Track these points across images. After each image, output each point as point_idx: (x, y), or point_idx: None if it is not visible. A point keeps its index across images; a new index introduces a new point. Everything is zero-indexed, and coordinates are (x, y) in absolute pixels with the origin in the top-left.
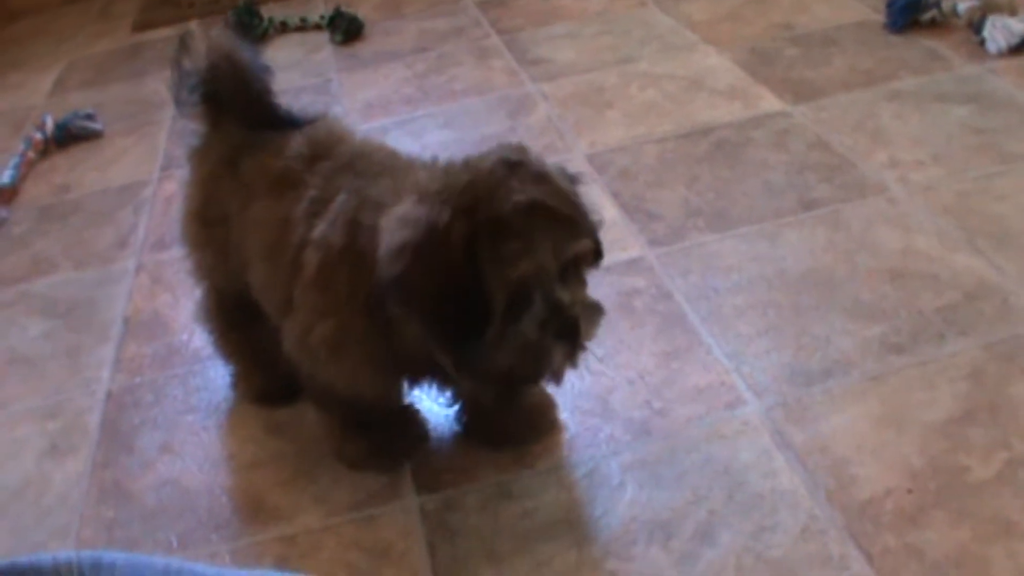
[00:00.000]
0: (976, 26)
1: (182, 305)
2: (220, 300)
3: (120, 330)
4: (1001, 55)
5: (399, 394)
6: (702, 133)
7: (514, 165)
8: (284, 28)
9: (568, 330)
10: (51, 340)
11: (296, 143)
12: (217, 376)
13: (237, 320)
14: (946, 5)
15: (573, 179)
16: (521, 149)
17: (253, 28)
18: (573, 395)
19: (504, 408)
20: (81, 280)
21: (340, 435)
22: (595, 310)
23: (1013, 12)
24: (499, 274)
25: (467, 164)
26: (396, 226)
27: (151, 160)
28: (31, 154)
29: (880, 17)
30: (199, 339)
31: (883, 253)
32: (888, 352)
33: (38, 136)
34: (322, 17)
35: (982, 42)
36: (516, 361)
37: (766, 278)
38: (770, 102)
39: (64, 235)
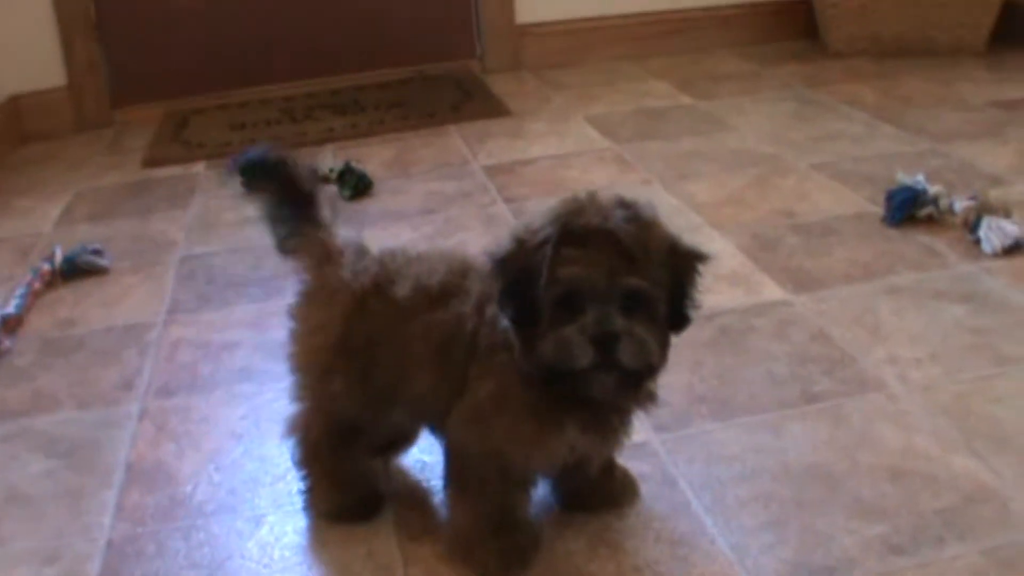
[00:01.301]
0: (972, 225)
1: (186, 456)
2: (328, 423)
3: (123, 476)
4: (996, 255)
5: (557, 457)
6: (706, 318)
7: (624, 204)
8: None
9: (603, 341)
10: (52, 480)
11: (440, 267)
12: (221, 532)
13: (336, 442)
14: (943, 203)
15: (696, 255)
16: (645, 202)
17: None
18: None
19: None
20: (84, 420)
21: (480, 537)
22: (645, 346)
23: (1007, 214)
24: (553, 272)
25: (589, 192)
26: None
27: (158, 301)
28: (38, 284)
29: (878, 209)
30: (203, 492)
31: (883, 451)
32: (889, 553)
33: (46, 267)
34: (331, 171)
35: (977, 241)
36: (552, 353)
37: (769, 470)
38: (772, 290)
39: (68, 371)
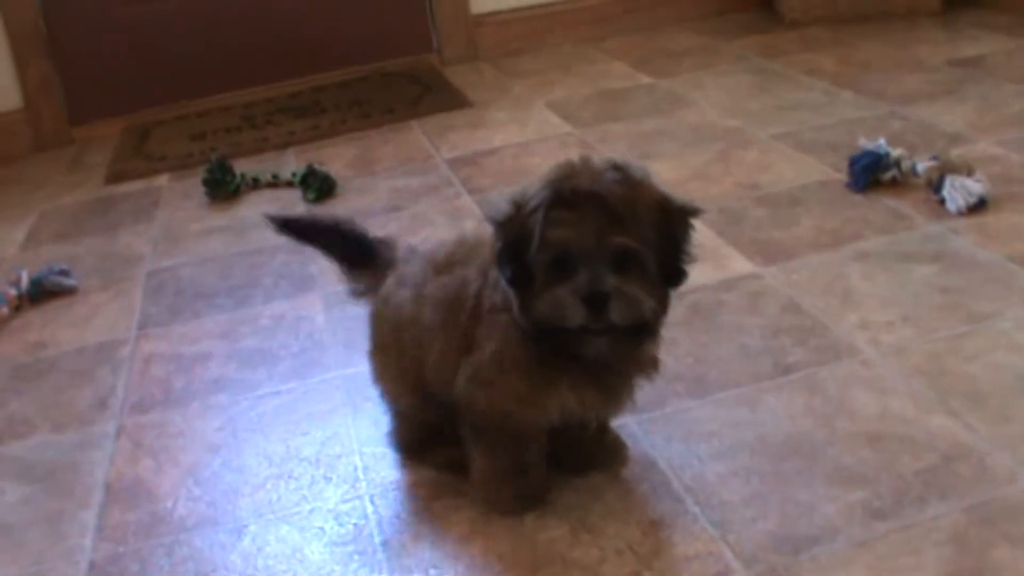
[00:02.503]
0: (936, 186)
1: (165, 471)
2: (404, 426)
3: (102, 496)
4: (961, 214)
5: (552, 414)
6: (677, 296)
7: (615, 166)
8: (256, 184)
9: (594, 300)
10: (30, 506)
11: (451, 242)
12: (204, 546)
13: (424, 437)
14: (906, 165)
15: (687, 210)
16: (636, 164)
17: (225, 184)
18: (563, 565)
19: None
20: (59, 443)
21: (494, 479)
22: (636, 303)
23: (970, 173)
24: (544, 235)
25: (583, 156)
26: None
27: (128, 317)
28: (5, 310)
29: (842, 176)
30: (184, 507)
31: (860, 417)
32: (872, 518)
33: (12, 292)
34: (294, 174)
35: (942, 201)
36: (546, 312)
37: (747, 444)
38: (740, 264)
39: (40, 395)
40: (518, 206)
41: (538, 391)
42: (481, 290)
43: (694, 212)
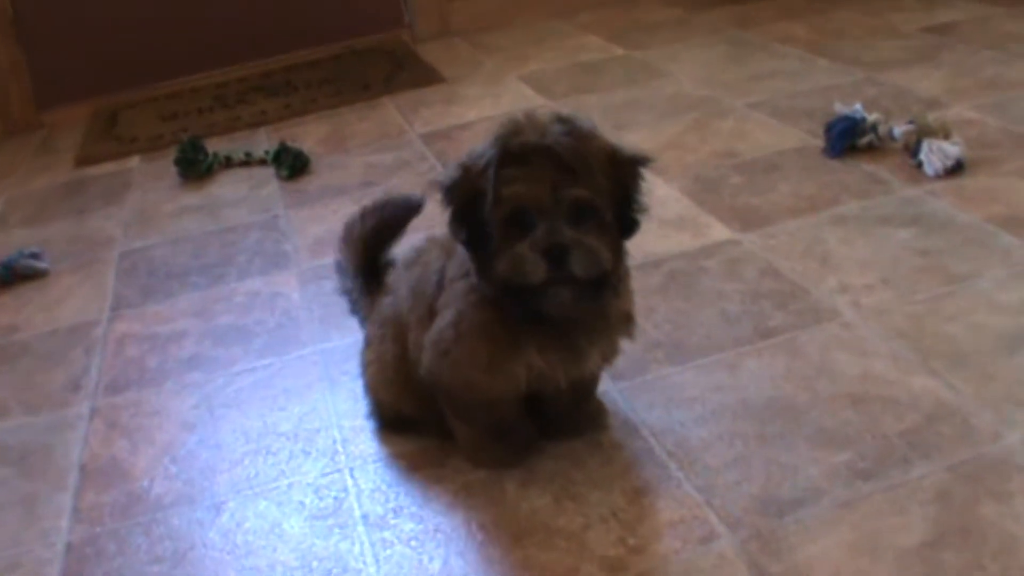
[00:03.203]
0: (913, 150)
1: (140, 451)
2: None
3: (77, 477)
4: (938, 177)
5: (518, 379)
6: (654, 264)
7: (561, 119)
8: (229, 163)
9: (553, 253)
10: (5, 488)
11: (421, 241)
12: (182, 524)
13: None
14: (882, 129)
15: (636, 159)
16: (582, 116)
17: (198, 163)
18: (547, 533)
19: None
20: (34, 425)
21: (477, 444)
22: (596, 254)
23: (947, 136)
24: (498, 193)
25: (527, 111)
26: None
27: (100, 299)
28: None
29: (819, 142)
30: (160, 486)
31: (842, 379)
32: (856, 478)
33: None
34: (267, 152)
35: (919, 165)
36: (507, 270)
37: (730, 408)
38: (719, 231)
39: (13, 378)
40: (466, 168)
41: (501, 355)
42: (444, 265)
43: (644, 161)
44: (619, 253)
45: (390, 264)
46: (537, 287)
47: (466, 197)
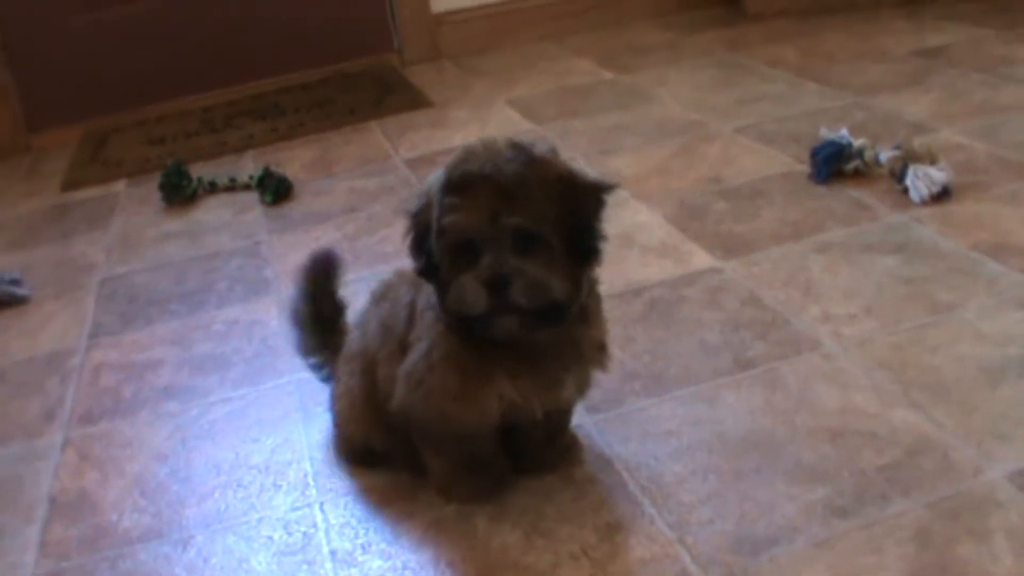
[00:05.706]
0: (899, 175)
1: (111, 483)
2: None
3: (46, 510)
4: (924, 203)
5: (491, 409)
6: (635, 293)
7: (515, 146)
8: (213, 188)
9: (494, 283)
10: None
11: (389, 275)
12: (148, 559)
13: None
14: (868, 155)
15: (598, 186)
16: (541, 144)
17: (182, 189)
18: (516, 571)
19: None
20: (5, 456)
21: (450, 478)
22: (541, 284)
23: (933, 161)
24: (440, 221)
25: (485, 139)
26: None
27: (79, 326)
28: None
29: (805, 167)
30: (129, 519)
31: (822, 412)
32: (833, 516)
33: None
34: (251, 177)
35: (905, 190)
36: (452, 300)
37: (706, 442)
38: (701, 258)
39: None
40: (425, 195)
41: (473, 384)
42: (413, 299)
43: (605, 188)
44: (578, 281)
45: (342, 308)
46: (482, 316)
47: (421, 227)
